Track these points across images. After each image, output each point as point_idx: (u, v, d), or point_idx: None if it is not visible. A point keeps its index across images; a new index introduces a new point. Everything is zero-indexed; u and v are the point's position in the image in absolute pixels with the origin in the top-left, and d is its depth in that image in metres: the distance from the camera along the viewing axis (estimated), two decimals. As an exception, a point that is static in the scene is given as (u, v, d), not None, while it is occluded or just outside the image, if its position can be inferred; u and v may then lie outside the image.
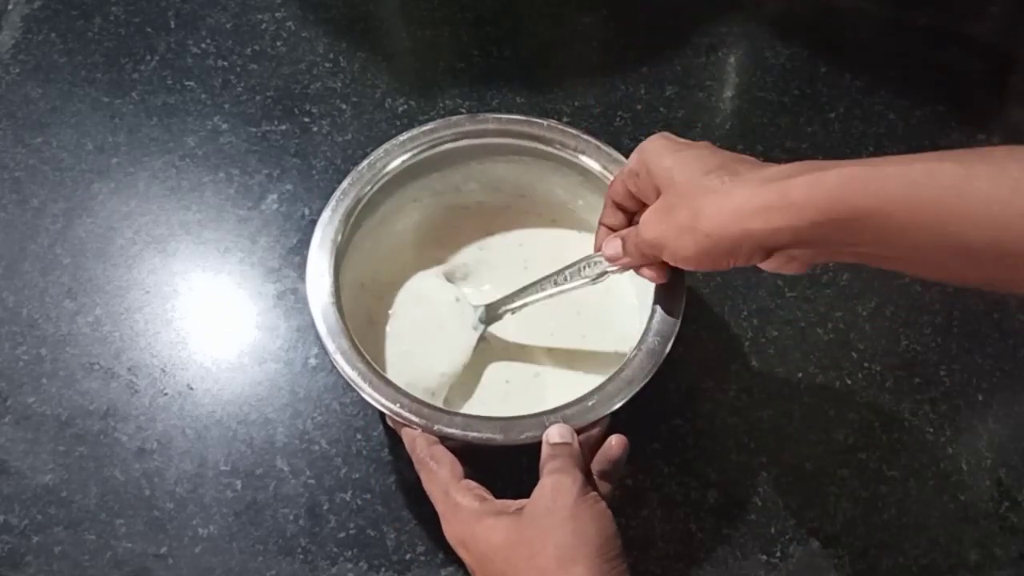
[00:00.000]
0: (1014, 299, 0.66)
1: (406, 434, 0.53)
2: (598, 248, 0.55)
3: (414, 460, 0.52)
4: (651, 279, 0.53)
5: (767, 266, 0.47)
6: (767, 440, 0.62)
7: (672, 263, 0.49)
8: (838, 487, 0.60)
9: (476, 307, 0.60)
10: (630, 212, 0.54)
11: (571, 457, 0.49)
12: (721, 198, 0.45)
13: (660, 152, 0.49)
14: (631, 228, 0.52)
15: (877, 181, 0.41)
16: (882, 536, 0.59)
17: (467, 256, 0.64)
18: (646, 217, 0.49)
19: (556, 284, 0.56)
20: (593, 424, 0.52)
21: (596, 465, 0.50)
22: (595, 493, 0.48)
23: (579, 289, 0.56)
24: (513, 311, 0.59)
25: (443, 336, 0.60)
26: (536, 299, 0.57)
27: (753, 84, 0.76)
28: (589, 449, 0.51)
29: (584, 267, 0.55)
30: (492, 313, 0.59)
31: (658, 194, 0.49)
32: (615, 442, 0.50)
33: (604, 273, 0.54)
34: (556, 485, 0.47)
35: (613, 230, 0.54)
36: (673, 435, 0.62)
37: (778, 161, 0.71)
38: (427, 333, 0.60)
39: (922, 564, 0.58)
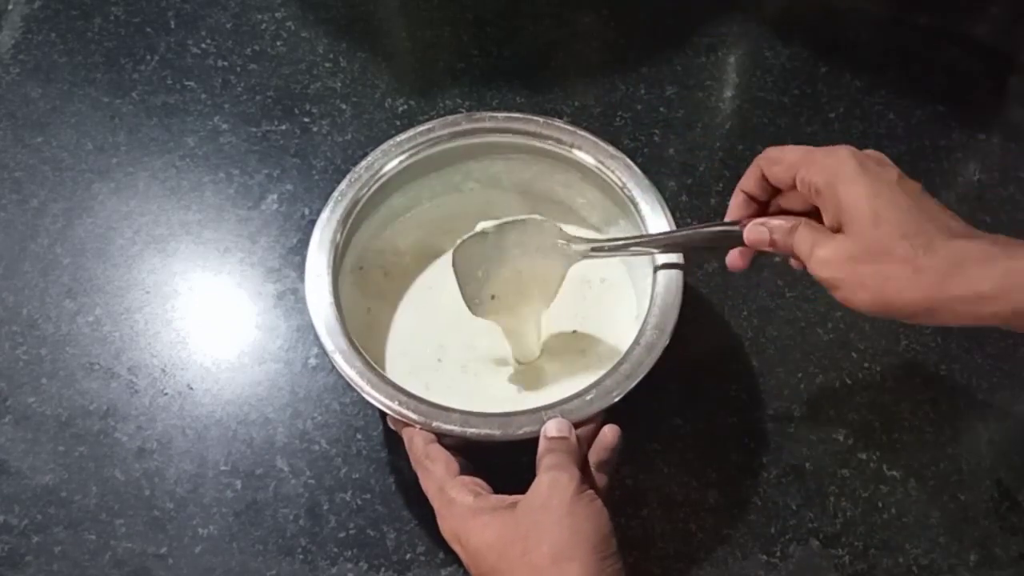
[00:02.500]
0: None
1: (405, 433, 0.53)
2: (735, 218, 0.53)
3: (411, 459, 0.52)
4: (738, 259, 0.54)
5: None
6: (767, 440, 0.62)
7: (836, 297, 0.48)
8: (838, 487, 0.60)
9: (573, 242, 0.57)
10: (774, 189, 0.52)
11: (568, 452, 0.49)
12: (912, 274, 0.44)
13: (854, 180, 0.46)
14: (783, 221, 0.50)
15: None
16: (882, 536, 0.59)
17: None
18: (825, 255, 0.47)
19: (680, 242, 0.55)
20: (591, 419, 0.52)
21: (592, 456, 0.50)
22: (591, 491, 0.48)
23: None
24: (614, 253, 0.58)
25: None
26: (646, 250, 0.56)
27: (753, 84, 0.76)
28: (586, 444, 0.51)
29: (718, 235, 0.54)
30: (595, 248, 0.57)
31: (829, 210, 0.47)
32: (609, 431, 0.51)
33: (735, 246, 0.53)
34: (552, 482, 0.47)
35: (752, 199, 0.52)
36: (673, 435, 0.62)
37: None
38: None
39: (922, 564, 0.58)
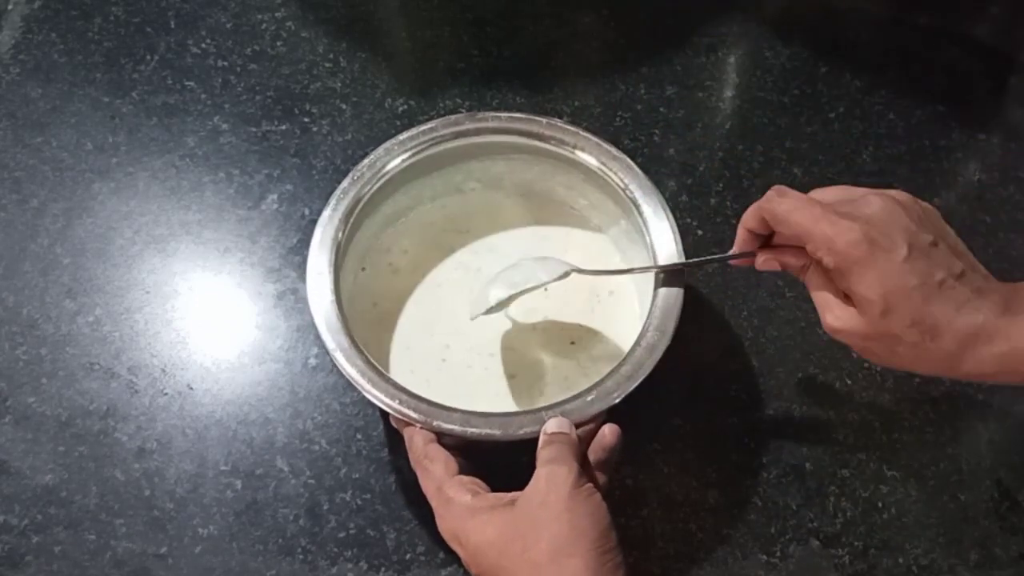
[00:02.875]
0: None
1: (406, 433, 0.53)
2: (742, 251, 0.53)
3: (411, 459, 0.52)
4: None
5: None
6: (767, 440, 0.62)
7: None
8: (838, 487, 0.60)
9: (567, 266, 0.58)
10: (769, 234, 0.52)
11: (567, 445, 0.49)
12: (921, 355, 0.46)
13: (864, 266, 0.46)
14: (795, 260, 0.50)
15: None
16: (882, 536, 0.59)
17: (470, 254, 0.64)
18: (837, 325, 0.48)
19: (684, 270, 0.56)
20: (591, 419, 0.52)
21: (592, 455, 0.50)
22: (590, 485, 0.48)
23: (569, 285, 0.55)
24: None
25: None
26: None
27: (753, 84, 0.76)
28: (586, 443, 0.51)
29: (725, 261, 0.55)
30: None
31: (840, 284, 0.48)
32: (608, 431, 0.51)
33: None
34: (550, 477, 0.47)
35: (754, 233, 0.52)
36: (673, 435, 0.62)
37: (778, 161, 0.72)
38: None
39: (922, 564, 0.58)
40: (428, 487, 0.51)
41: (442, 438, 0.52)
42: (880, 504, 0.60)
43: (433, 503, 0.50)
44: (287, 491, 0.60)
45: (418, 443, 0.52)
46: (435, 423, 0.51)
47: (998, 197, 0.71)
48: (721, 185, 0.71)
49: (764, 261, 0.52)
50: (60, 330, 0.65)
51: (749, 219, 0.52)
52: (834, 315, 0.48)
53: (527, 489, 0.47)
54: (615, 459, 0.51)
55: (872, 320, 0.46)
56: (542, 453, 0.49)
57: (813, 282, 0.49)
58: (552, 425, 0.50)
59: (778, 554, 0.58)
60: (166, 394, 0.63)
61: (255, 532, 0.58)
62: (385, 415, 0.54)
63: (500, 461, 0.57)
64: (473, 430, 0.51)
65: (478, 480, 0.50)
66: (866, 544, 0.58)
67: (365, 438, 0.61)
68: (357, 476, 0.60)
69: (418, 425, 0.52)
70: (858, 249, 0.45)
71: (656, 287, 0.55)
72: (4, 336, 0.65)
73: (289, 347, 0.64)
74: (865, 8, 0.80)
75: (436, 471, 0.50)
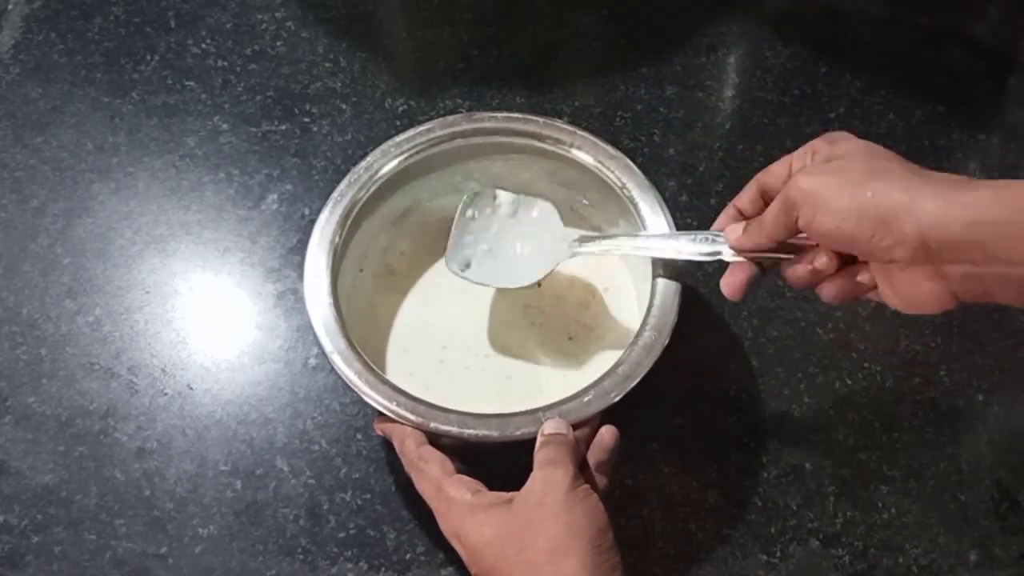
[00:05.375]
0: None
1: (396, 436, 0.53)
2: (720, 227, 0.53)
3: (404, 463, 0.52)
4: (732, 286, 0.51)
5: (901, 285, 0.45)
6: (767, 440, 0.62)
7: (805, 224, 0.46)
8: (838, 487, 0.60)
9: (569, 233, 0.59)
10: (768, 200, 0.50)
11: (564, 446, 0.49)
12: (904, 174, 0.43)
13: (851, 136, 0.48)
14: (762, 215, 0.49)
15: None
16: (882, 536, 0.59)
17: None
18: (807, 168, 0.47)
19: (661, 243, 0.55)
20: (589, 420, 0.52)
21: (591, 457, 0.50)
22: (586, 486, 0.48)
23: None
24: (605, 251, 0.58)
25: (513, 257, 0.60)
26: (631, 249, 0.56)
27: (753, 84, 0.76)
28: (584, 445, 0.51)
29: (701, 240, 0.53)
30: (584, 244, 0.58)
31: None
32: (606, 432, 0.51)
33: (716, 254, 0.52)
34: (547, 477, 0.47)
35: (741, 214, 0.52)
36: (673, 435, 0.62)
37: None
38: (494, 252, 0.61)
39: (922, 564, 0.58)
40: (426, 488, 0.51)
41: (439, 439, 0.52)
42: (880, 504, 0.60)
43: (433, 504, 0.50)
44: (287, 491, 0.60)
45: (410, 446, 0.52)
46: (431, 424, 0.51)
47: (998, 197, 0.71)
48: (721, 185, 0.71)
49: (731, 228, 0.51)
50: (60, 330, 0.65)
51: (741, 196, 0.52)
52: (808, 169, 0.47)
53: (524, 489, 0.47)
54: (614, 460, 0.51)
55: (846, 159, 0.46)
56: (539, 454, 0.49)
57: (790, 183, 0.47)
58: (549, 426, 0.50)
59: (778, 554, 0.58)
60: (166, 394, 0.63)
61: (255, 532, 0.58)
62: (385, 416, 0.54)
63: (498, 462, 0.57)
64: (470, 431, 0.51)
65: (476, 480, 0.50)
66: (866, 544, 0.58)
67: (365, 438, 0.61)
68: (357, 476, 0.60)
69: (411, 427, 0.52)
70: (858, 143, 0.48)
71: (654, 284, 0.55)
72: (4, 336, 0.65)
73: (289, 347, 0.64)
74: (865, 8, 0.80)
75: (433, 471, 0.50)
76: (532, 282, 0.59)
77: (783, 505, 0.60)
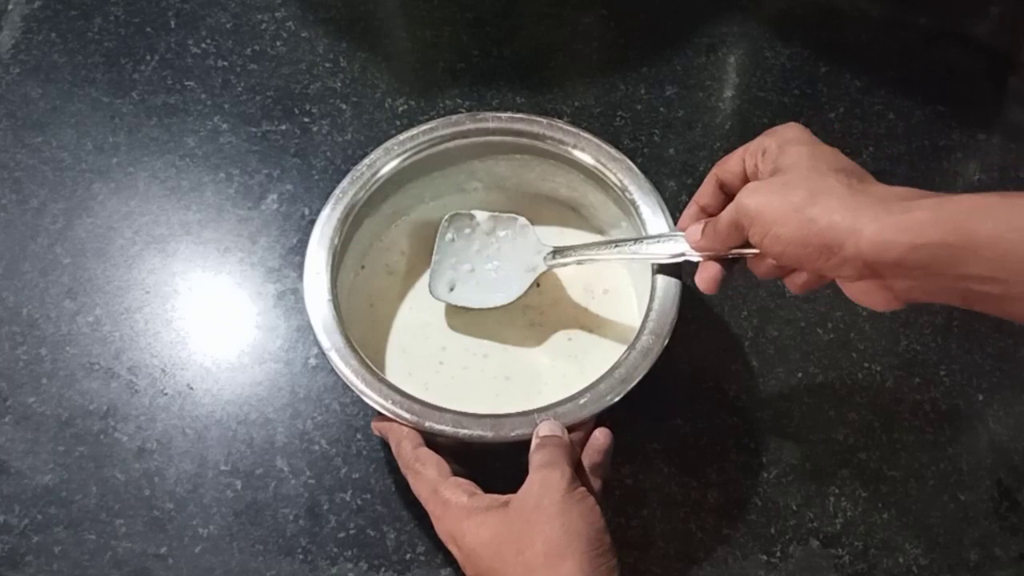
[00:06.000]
0: (1014, 299, 0.66)
1: (392, 437, 0.53)
2: (683, 228, 0.54)
3: (400, 465, 0.52)
4: (705, 281, 0.52)
5: (852, 291, 0.46)
6: (767, 440, 0.62)
7: (756, 243, 0.47)
8: (838, 487, 0.60)
9: (544, 248, 0.61)
10: (729, 195, 0.52)
11: (560, 448, 0.49)
12: (844, 194, 0.44)
13: (799, 136, 0.49)
14: (719, 215, 0.50)
15: (1006, 208, 0.41)
16: (882, 536, 0.59)
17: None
18: (753, 186, 0.48)
19: (631, 248, 0.56)
20: (584, 422, 0.52)
21: (585, 459, 0.50)
22: (583, 488, 0.47)
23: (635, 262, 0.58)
24: (579, 262, 0.59)
25: (492, 279, 0.62)
26: (604, 257, 0.58)
27: (753, 84, 0.76)
28: (579, 447, 0.51)
29: (664, 241, 0.55)
30: (558, 257, 0.60)
31: (769, 163, 0.49)
32: (600, 434, 0.51)
33: (681, 255, 0.54)
34: (544, 480, 0.47)
35: (704, 211, 0.54)
36: (673, 435, 0.62)
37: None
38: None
39: (922, 564, 0.58)
40: (422, 490, 0.51)
41: (435, 439, 0.52)
42: (880, 504, 0.60)
43: (429, 506, 0.50)
44: (287, 491, 0.60)
45: (407, 448, 0.52)
46: (427, 424, 0.51)
47: (998, 197, 0.71)
48: (721, 185, 0.71)
49: (691, 230, 0.53)
50: (60, 330, 0.65)
51: (701, 191, 0.54)
52: (753, 187, 0.48)
53: (520, 492, 0.47)
54: (608, 462, 0.51)
55: (799, 169, 0.47)
56: (535, 456, 0.49)
57: (739, 197, 0.48)
58: (544, 428, 0.50)
59: (778, 554, 0.58)
60: (166, 394, 0.63)
61: (255, 532, 0.58)
62: (378, 415, 0.54)
63: (496, 463, 0.57)
64: (464, 431, 0.51)
65: (472, 482, 0.50)
66: (866, 544, 0.58)
67: (365, 438, 0.61)
68: (357, 476, 0.60)
69: (407, 426, 0.52)
70: (801, 132, 0.51)
71: (653, 287, 0.55)
72: (4, 336, 0.65)
73: (289, 347, 0.64)
74: (865, 8, 0.80)
75: (430, 473, 0.50)
76: (511, 300, 0.60)
77: (783, 505, 0.60)
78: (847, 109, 0.74)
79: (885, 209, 0.43)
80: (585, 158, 0.60)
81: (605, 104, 0.74)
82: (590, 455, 0.51)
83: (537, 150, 0.61)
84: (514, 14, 0.79)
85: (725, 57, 0.77)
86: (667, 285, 0.55)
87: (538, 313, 0.62)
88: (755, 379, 0.64)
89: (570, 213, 0.65)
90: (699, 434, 0.62)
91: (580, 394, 0.52)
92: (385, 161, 0.60)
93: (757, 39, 0.78)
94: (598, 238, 0.64)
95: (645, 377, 0.53)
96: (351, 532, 0.59)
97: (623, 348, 0.54)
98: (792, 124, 0.50)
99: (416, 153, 0.60)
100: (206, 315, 0.66)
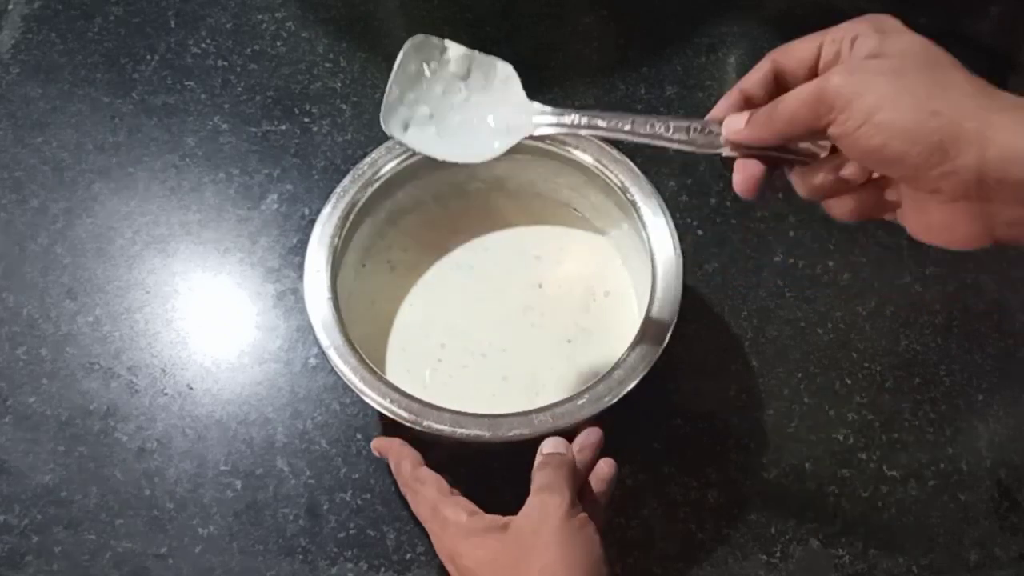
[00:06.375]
0: (1014, 299, 0.66)
1: (392, 456, 0.53)
2: (719, 116, 0.43)
3: (400, 484, 0.52)
4: (744, 183, 0.42)
5: (932, 217, 0.38)
6: (767, 440, 0.62)
7: (843, 133, 0.38)
8: (838, 487, 0.60)
9: (532, 107, 0.49)
10: (786, 88, 0.42)
11: (562, 468, 0.48)
12: (974, 92, 0.36)
13: (903, 26, 0.40)
14: (782, 97, 0.40)
15: None
16: (882, 536, 0.59)
17: (469, 253, 0.64)
18: (849, 65, 0.39)
19: (651, 129, 0.44)
20: (583, 423, 0.52)
21: (593, 484, 0.50)
22: (583, 515, 0.47)
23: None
24: (576, 133, 0.47)
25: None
26: (612, 134, 0.46)
27: (753, 84, 0.76)
28: (585, 471, 0.51)
29: (693, 129, 0.43)
30: (552, 119, 0.48)
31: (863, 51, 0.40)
32: (604, 464, 0.51)
33: (711, 147, 0.43)
34: (543, 504, 0.46)
35: (748, 102, 0.43)
36: (673, 435, 0.62)
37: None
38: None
39: (922, 564, 0.58)
40: (421, 509, 0.50)
41: (435, 440, 0.52)
42: (880, 504, 0.60)
43: (429, 525, 0.50)
44: (287, 491, 0.60)
45: (406, 468, 0.51)
46: (425, 423, 0.51)
47: (998, 197, 0.71)
48: (721, 185, 0.71)
49: (731, 117, 0.42)
50: (60, 330, 0.65)
51: (749, 78, 0.44)
52: (847, 65, 0.39)
53: (520, 514, 0.47)
54: (611, 491, 0.51)
55: (896, 58, 0.38)
56: (536, 476, 0.48)
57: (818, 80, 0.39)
58: (548, 445, 0.50)
59: (778, 554, 0.58)
60: (166, 394, 0.63)
61: (255, 532, 0.58)
62: (383, 416, 0.54)
63: (494, 463, 0.57)
64: (462, 431, 0.51)
65: (471, 502, 0.50)
66: (866, 544, 0.58)
67: (365, 438, 0.61)
68: (357, 476, 0.60)
69: (407, 424, 0.52)
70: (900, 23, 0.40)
71: (653, 288, 0.55)
72: (4, 336, 0.65)
73: (289, 347, 0.64)
74: (865, 8, 0.80)
75: (430, 493, 0.50)
76: (483, 159, 0.49)
77: (783, 505, 0.59)
78: (847, 109, 0.74)
79: (1022, 114, 0.35)
80: (586, 158, 0.60)
81: (605, 104, 0.74)
82: (595, 483, 0.50)
83: (538, 150, 0.61)
84: (514, 14, 0.79)
85: (725, 57, 0.77)
86: (667, 286, 0.55)
87: (538, 314, 0.62)
88: (755, 379, 0.64)
89: (571, 214, 0.65)
90: (699, 434, 0.62)
91: (579, 395, 0.52)
92: (386, 160, 0.60)
93: (757, 39, 0.78)
94: (598, 237, 0.64)
95: (645, 377, 0.53)
96: (351, 532, 0.59)
97: (622, 349, 0.54)
98: (887, 15, 0.40)
99: (417, 153, 0.60)
100: (206, 315, 0.66)
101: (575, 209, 0.65)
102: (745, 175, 0.43)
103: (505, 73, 0.50)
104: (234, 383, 0.63)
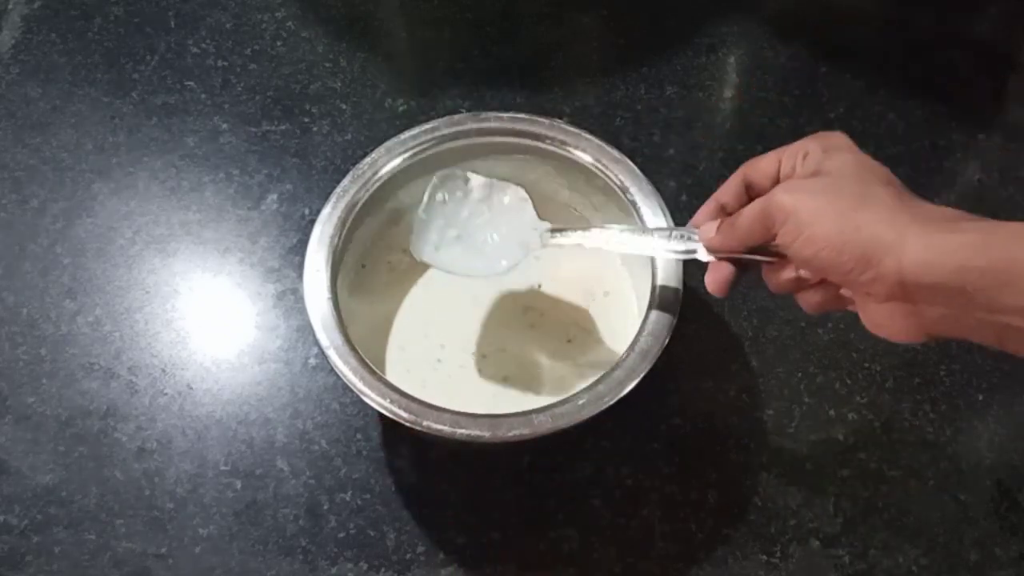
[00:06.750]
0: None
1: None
2: (697, 224, 0.50)
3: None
4: (716, 283, 0.49)
5: (873, 315, 0.44)
6: (767, 440, 0.62)
7: (785, 243, 0.44)
8: (838, 487, 0.60)
9: (541, 224, 0.56)
10: (755, 197, 0.47)
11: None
12: (893, 205, 0.42)
13: (847, 144, 0.46)
14: (741, 210, 0.46)
15: None
16: (882, 536, 0.59)
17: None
18: (791, 183, 0.45)
19: (636, 240, 0.52)
20: (582, 424, 0.52)
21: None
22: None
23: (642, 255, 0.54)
24: (578, 244, 0.54)
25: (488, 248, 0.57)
26: (604, 245, 0.53)
27: (753, 84, 0.76)
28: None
29: (674, 236, 0.51)
30: (556, 236, 0.55)
31: (809, 167, 0.46)
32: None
33: (690, 252, 0.50)
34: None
35: (723, 210, 0.50)
36: (673, 435, 0.62)
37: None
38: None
39: (922, 564, 0.58)
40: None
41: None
42: (880, 504, 0.60)
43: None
44: (287, 491, 0.60)
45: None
46: (425, 423, 0.51)
47: (998, 197, 0.71)
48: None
49: (706, 227, 0.48)
50: (60, 330, 0.65)
51: (723, 189, 0.49)
52: (792, 184, 0.45)
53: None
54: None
55: (843, 175, 0.44)
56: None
57: (767, 197, 0.44)
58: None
59: (778, 554, 0.58)
60: (166, 394, 0.63)
61: (255, 532, 0.58)
62: (383, 416, 0.54)
63: (500, 464, 0.57)
64: (462, 431, 0.51)
65: None
66: (866, 544, 0.58)
67: (365, 438, 0.61)
68: (357, 476, 0.60)
69: (406, 423, 0.52)
70: (847, 141, 0.47)
71: (652, 289, 0.55)
72: (4, 336, 0.65)
73: (289, 347, 0.64)
74: (865, 8, 0.80)
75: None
76: (500, 272, 0.56)
77: (783, 505, 0.60)
78: (847, 109, 0.74)
79: (935, 227, 0.40)
80: (586, 158, 0.60)
81: (605, 104, 0.74)
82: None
83: (538, 150, 0.61)
84: (514, 14, 0.79)
85: (725, 57, 0.77)
86: (667, 286, 0.55)
87: (538, 314, 0.62)
88: (755, 379, 0.64)
89: (571, 214, 0.65)
90: (699, 434, 0.62)
91: (579, 395, 0.52)
92: (386, 160, 0.60)
93: (757, 39, 0.78)
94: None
95: (645, 377, 0.53)
96: (351, 532, 0.59)
97: (622, 349, 0.54)
98: (838, 132, 0.47)
99: (418, 152, 0.60)
100: (206, 315, 0.66)
101: (575, 209, 0.65)
102: (716, 276, 0.49)
103: (520, 195, 0.57)
104: (234, 383, 0.63)
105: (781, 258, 0.47)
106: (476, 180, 0.57)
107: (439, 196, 0.57)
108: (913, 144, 0.73)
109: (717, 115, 0.75)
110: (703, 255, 0.50)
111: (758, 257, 0.48)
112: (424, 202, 0.57)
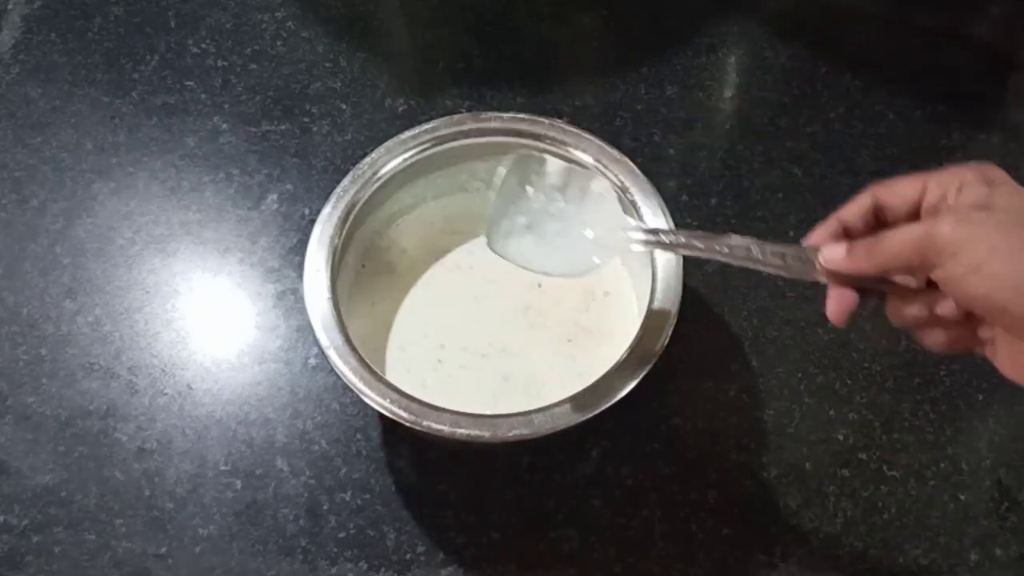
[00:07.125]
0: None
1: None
2: (817, 242, 0.45)
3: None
4: (838, 313, 0.44)
5: (1020, 361, 0.41)
6: (767, 440, 0.62)
7: (948, 277, 0.40)
8: (838, 487, 0.60)
9: (630, 224, 0.52)
10: (885, 223, 0.44)
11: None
12: None
13: (1008, 178, 0.42)
14: (885, 233, 0.42)
15: None
16: (882, 536, 0.59)
17: (468, 254, 0.64)
18: (962, 215, 0.40)
19: (746, 253, 0.46)
20: (582, 423, 0.52)
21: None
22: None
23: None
24: (676, 252, 0.51)
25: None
26: (708, 255, 0.48)
27: (753, 84, 0.76)
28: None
29: (788, 256, 0.45)
30: (652, 240, 0.50)
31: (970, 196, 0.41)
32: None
33: (807, 276, 0.45)
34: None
35: (846, 232, 0.44)
36: (673, 435, 0.62)
37: (778, 161, 0.72)
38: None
39: (922, 564, 0.58)
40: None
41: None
42: (880, 504, 0.60)
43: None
44: (287, 491, 0.60)
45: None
46: (425, 423, 0.51)
47: (998, 197, 0.71)
48: (721, 185, 0.71)
49: (831, 247, 0.43)
50: (60, 330, 0.65)
51: (848, 208, 0.44)
52: (956, 216, 0.40)
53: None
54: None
55: (1004, 211, 0.40)
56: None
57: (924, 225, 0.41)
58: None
59: (778, 554, 0.58)
60: (166, 394, 0.63)
61: (255, 532, 0.58)
62: (383, 416, 0.54)
63: (500, 463, 0.57)
64: (462, 431, 0.51)
65: None
66: (866, 544, 0.58)
67: (365, 438, 0.61)
68: (357, 476, 0.60)
69: (406, 423, 0.52)
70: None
71: (653, 290, 0.55)
72: (4, 336, 0.65)
73: (289, 347, 0.64)
74: (865, 8, 0.80)
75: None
76: (573, 274, 0.52)
77: (783, 505, 0.60)
78: (847, 109, 0.74)
79: None
80: (586, 159, 0.60)
81: (605, 104, 0.74)
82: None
83: (538, 151, 0.61)
84: (514, 14, 0.79)
85: (725, 57, 0.77)
86: (667, 286, 0.55)
87: (538, 314, 0.62)
88: (755, 379, 0.64)
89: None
90: (699, 434, 0.62)
91: (579, 395, 0.52)
92: (387, 160, 0.60)
93: (757, 39, 0.78)
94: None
95: (645, 377, 0.53)
96: (351, 532, 0.59)
97: (622, 350, 0.54)
98: (993, 165, 0.43)
99: (418, 152, 0.60)
100: (206, 315, 0.66)
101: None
102: (841, 305, 0.44)
103: (602, 187, 0.52)
104: (234, 383, 0.63)
105: (904, 289, 0.43)
106: (553, 164, 0.52)
107: (513, 180, 0.52)
108: (913, 144, 0.73)
109: (717, 115, 0.75)
110: (819, 276, 0.45)
111: (883, 287, 0.44)
112: (499, 189, 0.52)
